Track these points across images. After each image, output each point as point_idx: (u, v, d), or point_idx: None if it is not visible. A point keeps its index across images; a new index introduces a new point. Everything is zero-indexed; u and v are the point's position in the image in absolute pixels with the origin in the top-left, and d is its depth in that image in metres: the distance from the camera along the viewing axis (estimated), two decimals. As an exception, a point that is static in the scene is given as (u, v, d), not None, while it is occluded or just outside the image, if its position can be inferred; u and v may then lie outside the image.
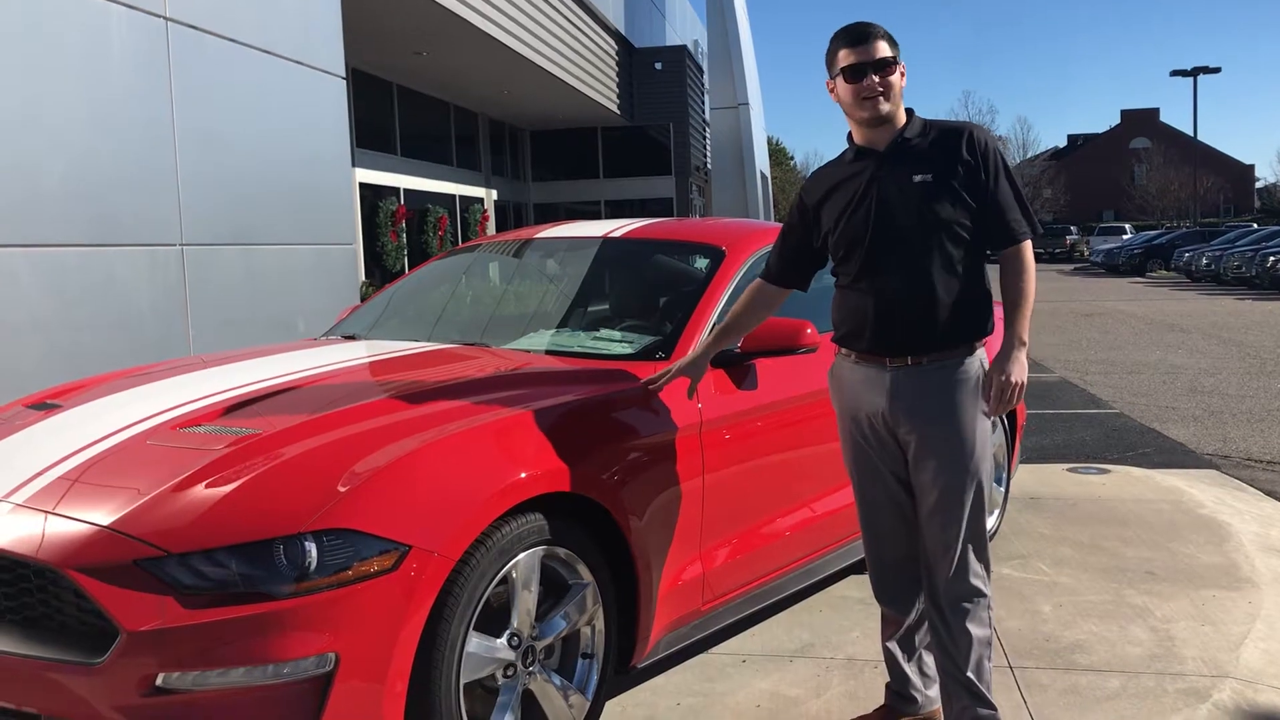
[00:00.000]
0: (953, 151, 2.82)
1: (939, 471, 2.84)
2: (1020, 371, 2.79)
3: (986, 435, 2.89)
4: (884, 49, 2.82)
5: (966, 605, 2.87)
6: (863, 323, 2.90)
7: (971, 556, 2.87)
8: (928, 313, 2.82)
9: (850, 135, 2.98)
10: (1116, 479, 6.23)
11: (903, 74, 2.87)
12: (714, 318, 3.58)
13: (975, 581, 2.88)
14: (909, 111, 2.91)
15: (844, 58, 2.83)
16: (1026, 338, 2.81)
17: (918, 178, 2.81)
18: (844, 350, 3.01)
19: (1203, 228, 41.52)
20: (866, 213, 2.87)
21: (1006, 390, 2.78)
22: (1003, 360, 2.80)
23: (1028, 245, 2.86)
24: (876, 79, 2.81)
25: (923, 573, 2.96)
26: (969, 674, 2.87)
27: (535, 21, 18.89)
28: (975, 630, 2.87)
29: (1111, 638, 3.79)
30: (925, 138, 2.87)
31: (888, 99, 2.83)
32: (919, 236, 2.81)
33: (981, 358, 2.89)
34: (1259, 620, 3.93)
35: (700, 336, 3.49)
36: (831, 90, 2.91)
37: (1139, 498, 5.76)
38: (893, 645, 3.11)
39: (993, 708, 2.90)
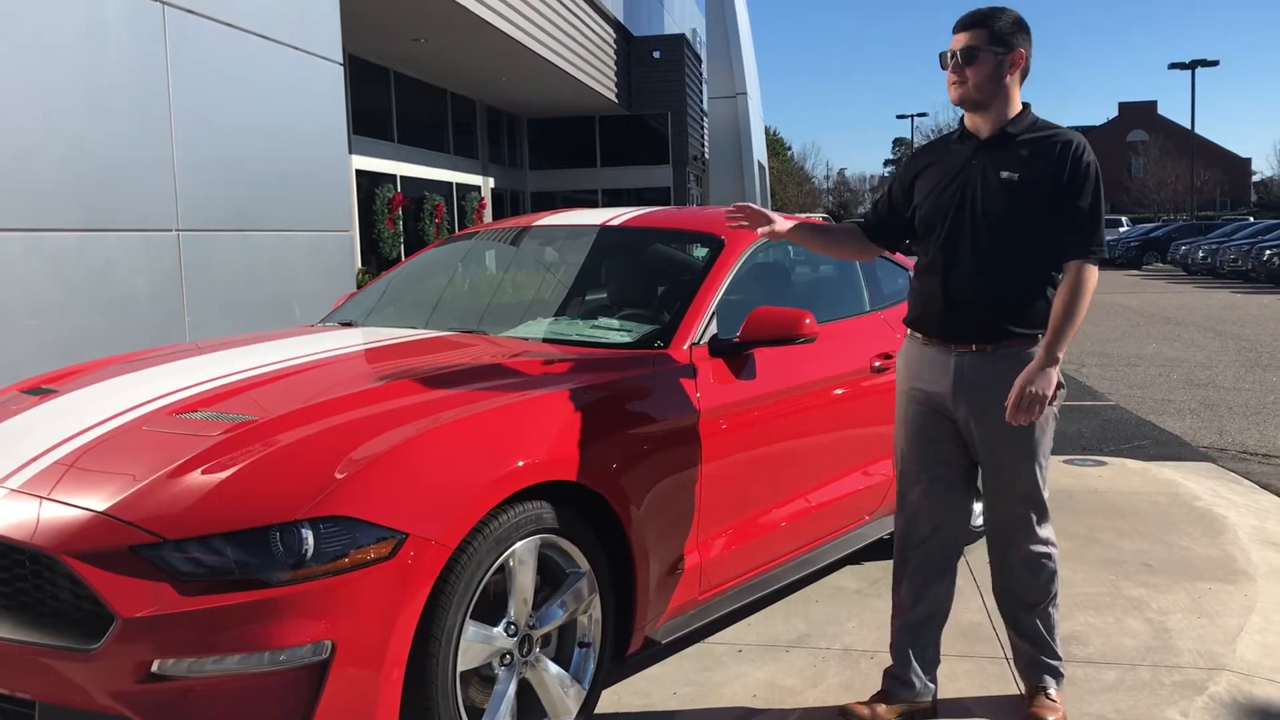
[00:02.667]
0: (1047, 157, 2.85)
1: (1007, 451, 2.96)
2: (1045, 385, 2.82)
3: (1048, 419, 2.97)
4: (970, 39, 2.88)
5: (1039, 565, 3.07)
6: (932, 311, 2.98)
7: (1036, 527, 3.06)
8: (994, 307, 2.90)
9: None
10: (1113, 471, 6.24)
11: (1013, 64, 2.89)
12: (713, 306, 3.57)
13: (1047, 548, 3.08)
14: (1025, 106, 2.94)
15: (951, 42, 2.92)
16: (1060, 355, 2.83)
17: (1005, 174, 2.86)
18: (913, 332, 3.08)
19: (1199, 221, 41.54)
20: (951, 198, 2.93)
21: (1024, 401, 2.82)
22: (1030, 372, 2.83)
23: (1090, 267, 2.83)
24: (956, 72, 2.88)
25: (992, 549, 3.12)
26: (1037, 622, 3.09)
27: (534, 9, 18.83)
28: (1050, 586, 3.09)
29: (1108, 629, 3.79)
30: (1025, 137, 2.90)
31: (967, 88, 2.88)
32: (996, 233, 2.87)
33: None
34: (1255, 613, 3.93)
35: (699, 326, 3.48)
36: None
37: (1135, 490, 5.76)
38: (904, 627, 3.14)
39: (1059, 658, 3.14)
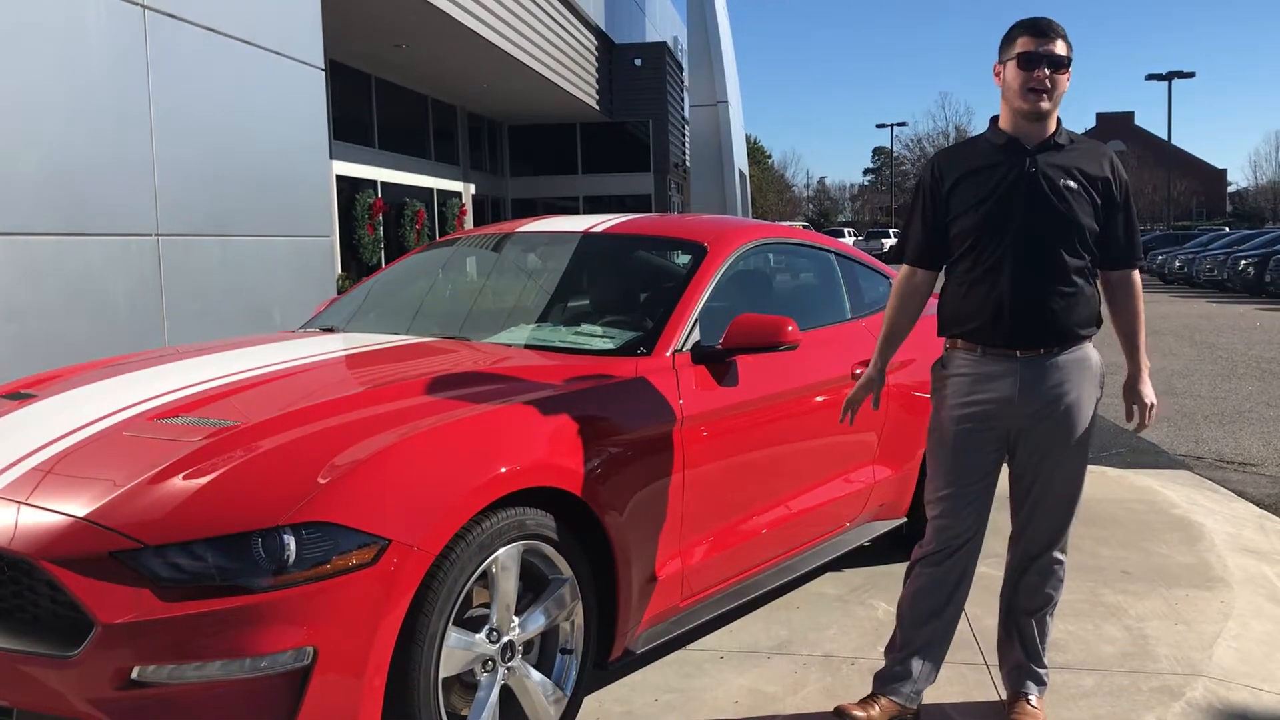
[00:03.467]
0: (1097, 167, 2.96)
1: (1063, 456, 3.02)
2: (1152, 393, 3.11)
3: (1095, 421, 3.09)
4: (1061, 48, 2.91)
5: (1051, 572, 3.13)
6: (996, 318, 2.96)
7: (1066, 535, 3.13)
8: (1059, 309, 2.94)
9: (996, 121, 3.04)
10: (1091, 479, 6.17)
11: (1068, 80, 2.96)
12: (695, 314, 3.58)
13: (1063, 555, 3.14)
14: (1058, 119, 2.99)
15: (1022, 44, 2.92)
16: (1148, 361, 3.11)
17: (1065, 182, 2.92)
18: (965, 344, 3.05)
19: (1176, 231, 41.94)
20: (1011, 206, 2.93)
21: (1147, 412, 3.10)
22: (1137, 385, 3.10)
23: (1138, 273, 3.06)
24: (1047, 73, 2.89)
25: (1019, 555, 3.15)
26: (1034, 627, 3.15)
27: (516, 16, 18.84)
28: (1055, 594, 3.17)
29: (1086, 636, 3.81)
30: (1073, 147, 2.97)
31: (1050, 98, 2.91)
32: (1060, 238, 2.92)
33: (1093, 347, 3.08)
34: (1231, 619, 3.97)
35: (681, 333, 3.49)
36: (998, 74, 2.99)
37: (1113, 498, 5.80)
38: (914, 638, 3.12)
39: (1045, 666, 3.20)
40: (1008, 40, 2.96)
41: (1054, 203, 2.91)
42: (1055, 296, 2.94)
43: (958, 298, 3.04)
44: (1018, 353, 2.97)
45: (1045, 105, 2.91)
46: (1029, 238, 2.91)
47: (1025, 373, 2.97)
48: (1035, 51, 2.88)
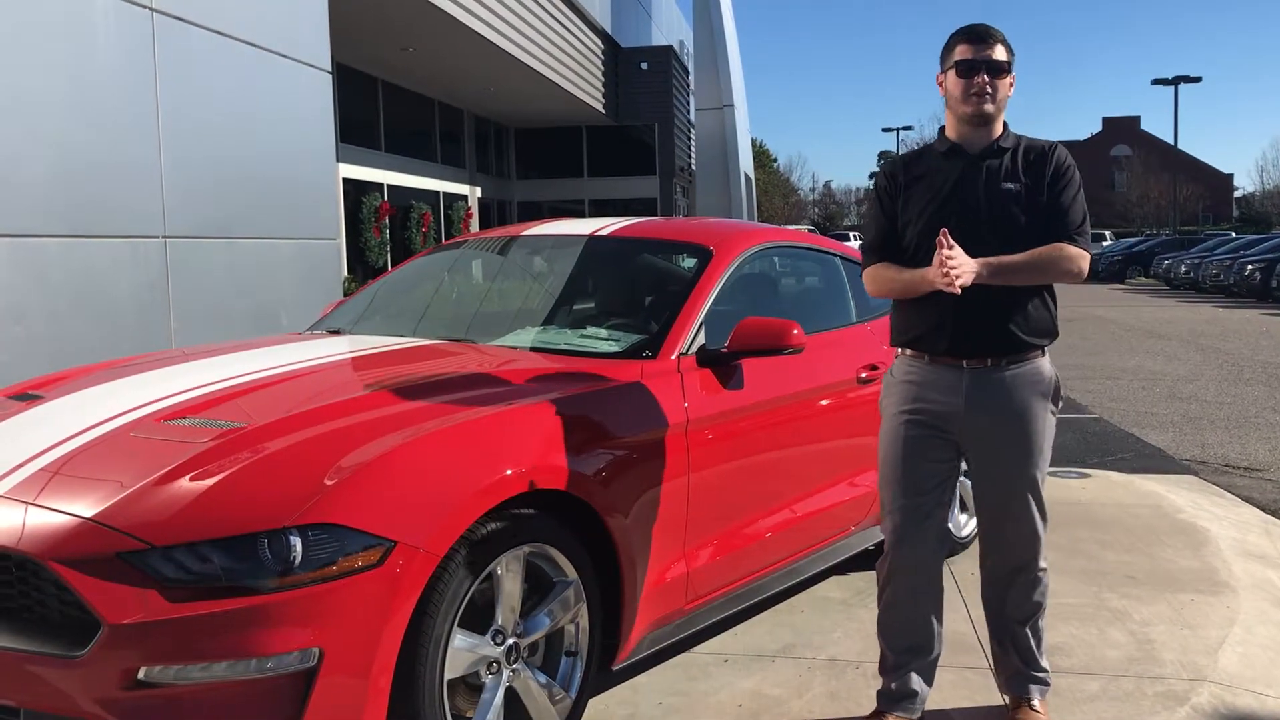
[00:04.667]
0: (1039, 166, 2.93)
1: (1017, 471, 2.97)
2: (968, 269, 2.73)
3: (1052, 434, 3.02)
4: (1000, 53, 2.91)
5: (1036, 580, 3.10)
6: (940, 325, 2.93)
7: (1041, 545, 3.08)
8: (1007, 317, 2.90)
9: (943, 130, 3.04)
10: (1096, 483, 6.27)
11: (1012, 84, 2.96)
12: (701, 317, 3.58)
13: (1044, 564, 3.11)
14: (1004, 124, 2.99)
15: (960, 52, 2.92)
16: (992, 273, 2.78)
17: (1005, 185, 2.90)
18: (914, 353, 3.02)
19: (1182, 236, 41.84)
20: (950, 212, 2.91)
21: (956, 267, 2.71)
22: (967, 259, 2.75)
23: (1068, 247, 2.85)
24: (986, 79, 2.89)
25: (996, 568, 3.12)
26: (1028, 635, 3.11)
27: (522, 19, 18.87)
28: (1043, 600, 3.14)
29: (1091, 640, 3.81)
30: (1017, 150, 2.96)
31: (992, 101, 2.91)
32: (1002, 242, 2.87)
33: (1049, 360, 3.01)
34: (1236, 625, 3.96)
35: (687, 336, 3.49)
36: (941, 84, 3.00)
37: (1118, 502, 5.79)
38: (903, 659, 3.10)
39: (1045, 669, 3.17)
40: (947, 49, 2.97)
41: (992, 208, 2.90)
42: (999, 305, 2.89)
43: (906, 306, 3.03)
44: (964, 363, 2.94)
45: (988, 108, 2.91)
46: (969, 244, 2.82)
47: (971, 384, 2.93)
48: (973, 59, 2.89)
